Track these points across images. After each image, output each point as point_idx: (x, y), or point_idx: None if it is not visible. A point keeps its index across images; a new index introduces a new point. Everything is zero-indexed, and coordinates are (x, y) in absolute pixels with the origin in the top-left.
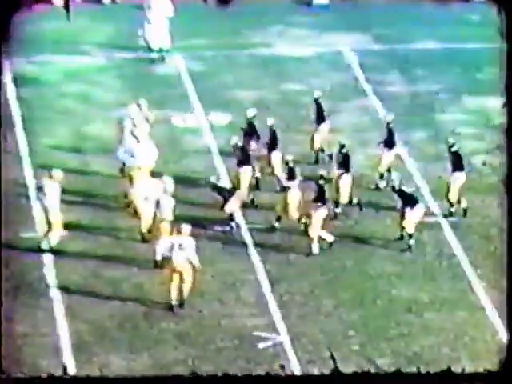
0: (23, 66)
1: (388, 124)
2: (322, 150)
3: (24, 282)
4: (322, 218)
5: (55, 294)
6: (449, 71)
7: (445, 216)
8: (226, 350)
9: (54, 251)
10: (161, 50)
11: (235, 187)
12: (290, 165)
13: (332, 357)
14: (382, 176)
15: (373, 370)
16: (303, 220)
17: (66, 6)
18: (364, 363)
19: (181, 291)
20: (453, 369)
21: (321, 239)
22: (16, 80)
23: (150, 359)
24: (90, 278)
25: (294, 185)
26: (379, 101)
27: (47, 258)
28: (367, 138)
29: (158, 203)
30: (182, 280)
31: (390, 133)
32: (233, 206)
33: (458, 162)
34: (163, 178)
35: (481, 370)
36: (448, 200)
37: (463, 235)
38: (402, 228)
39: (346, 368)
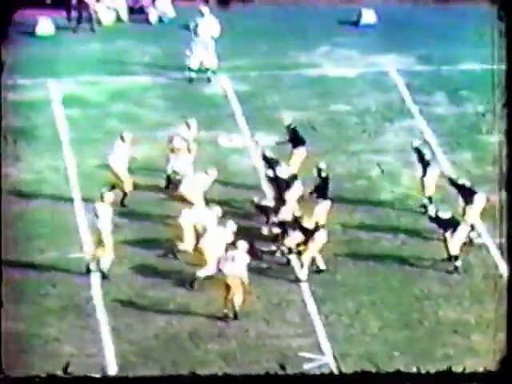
0: (70, 86)
1: None
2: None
3: (71, 303)
4: (322, 242)
5: (101, 314)
6: (494, 92)
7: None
8: (271, 370)
9: (103, 272)
10: (207, 71)
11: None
12: (323, 174)
13: (334, 357)
14: (430, 199)
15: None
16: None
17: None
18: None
19: (232, 304)
20: (453, 369)
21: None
22: (64, 100)
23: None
24: (135, 298)
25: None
26: (425, 121)
27: (94, 279)
28: (412, 160)
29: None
30: (231, 292)
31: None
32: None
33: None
34: (213, 208)
35: (480, 369)
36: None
37: (510, 256)
38: (448, 251)
39: None
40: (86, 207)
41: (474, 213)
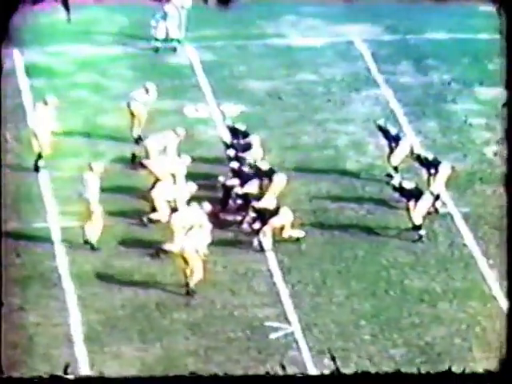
0: (36, 56)
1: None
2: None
3: (36, 272)
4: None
5: (67, 284)
6: (460, 61)
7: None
8: (237, 340)
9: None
10: (172, 40)
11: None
12: None
13: (332, 357)
14: (396, 169)
15: (385, 360)
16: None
17: (66, 5)
18: (376, 353)
19: (188, 280)
20: (453, 369)
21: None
22: (28, 70)
23: (162, 350)
24: (101, 268)
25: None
26: (391, 91)
27: (59, 249)
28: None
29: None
30: (188, 267)
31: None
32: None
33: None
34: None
35: (481, 370)
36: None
37: (475, 225)
38: (411, 221)
39: (357, 358)
40: (51, 176)
41: (439, 182)
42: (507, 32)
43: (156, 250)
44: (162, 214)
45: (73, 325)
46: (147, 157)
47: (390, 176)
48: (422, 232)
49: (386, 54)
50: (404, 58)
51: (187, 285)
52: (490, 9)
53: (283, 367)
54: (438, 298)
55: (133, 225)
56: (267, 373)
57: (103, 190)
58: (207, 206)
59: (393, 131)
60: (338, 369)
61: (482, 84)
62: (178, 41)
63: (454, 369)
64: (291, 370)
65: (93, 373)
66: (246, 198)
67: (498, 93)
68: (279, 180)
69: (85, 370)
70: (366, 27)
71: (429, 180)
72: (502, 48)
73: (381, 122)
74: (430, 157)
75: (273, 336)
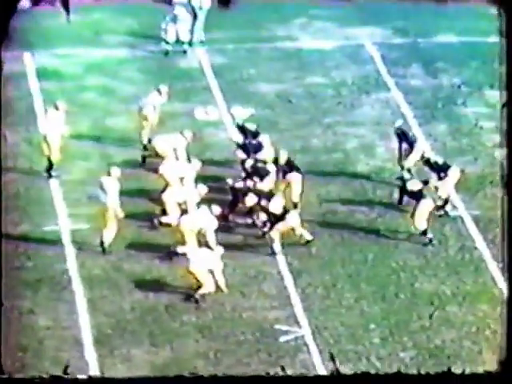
0: (45, 59)
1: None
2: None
3: (46, 275)
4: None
5: (77, 287)
6: (470, 65)
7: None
8: (247, 343)
9: (79, 244)
10: (183, 43)
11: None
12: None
13: (332, 358)
14: (409, 171)
15: (395, 363)
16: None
17: (66, 7)
18: (386, 356)
19: (197, 289)
20: (453, 369)
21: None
22: (38, 73)
23: (172, 352)
24: (111, 271)
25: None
26: (401, 94)
27: (69, 251)
28: (388, 132)
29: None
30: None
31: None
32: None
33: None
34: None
35: (481, 370)
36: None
37: (485, 229)
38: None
39: (367, 361)
40: (61, 179)
41: (448, 186)
42: (507, 33)
43: (168, 253)
44: (172, 217)
45: (82, 328)
46: (156, 157)
47: (402, 179)
48: (430, 235)
49: (396, 56)
50: (414, 60)
51: (195, 291)
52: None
53: (283, 368)
54: (447, 301)
55: (142, 228)
56: (268, 373)
57: None
58: (216, 209)
59: (410, 134)
60: (337, 369)
61: (492, 87)
62: (190, 43)
63: (458, 370)
64: (301, 373)
65: (103, 376)
66: (261, 197)
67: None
68: (295, 179)
69: (94, 372)
70: (376, 30)
71: (437, 185)
72: (501, 48)
73: (398, 124)
74: (440, 161)
75: (283, 339)
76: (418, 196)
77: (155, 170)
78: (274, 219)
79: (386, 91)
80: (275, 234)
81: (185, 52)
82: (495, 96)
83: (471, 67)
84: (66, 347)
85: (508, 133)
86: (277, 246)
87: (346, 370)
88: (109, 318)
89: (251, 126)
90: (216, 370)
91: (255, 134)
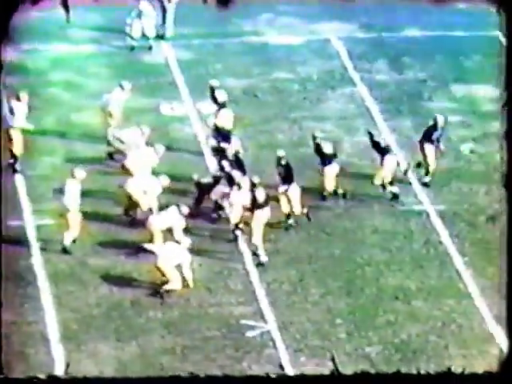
0: (10, 53)
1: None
2: None
3: (11, 271)
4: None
5: (42, 282)
6: (436, 59)
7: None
8: (213, 338)
9: (44, 239)
10: (148, 38)
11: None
12: (283, 162)
13: (332, 358)
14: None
15: (361, 358)
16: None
17: (65, 6)
18: (351, 351)
19: (162, 284)
20: (453, 369)
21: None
22: (2, 68)
23: (138, 348)
24: (76, 266)
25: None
26: (367, 89)
27: (34, 247)
28: (354, 126)
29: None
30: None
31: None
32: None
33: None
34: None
35: (480, 370)
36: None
37: (450, 223)
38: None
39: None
40: (25, 174)
41: (383, 174)
42: (507, 32)
43: (136, 249)
44: (143, 205)
45: (48, 323)
46: (117, 151)
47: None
48: (395, 189)
49: (362, 51)
50: (380, 55)
51: (160, 286)
52: (465, 6)
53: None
54: (413, 295)
55: (109, 224)
56: (267, 374)
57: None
58: (185, 209)
59: (382, 143)
60: (337, 369)
61: (458, 81)
62: (162, 37)
63: (453, 369)
64: (268, 369)
65: (69, 371)
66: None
67: (473, 90)
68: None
69: (61, 368)
70: (342, 25)
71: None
72: (501, 48)
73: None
74: (383, 143)
75: (249, 334)
76: (384, 151)
77: (121, 166)
78: (254, 207)
79: (352, 86)
80: (243, 227)
81: (150, 48)
82: (460, 90)
83: (436, 62)
84: (32, 343)
85: (508, 133)
86: (243, 242)
87: (311, 365)
88: (75, 314)
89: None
90: (182, 366)
91: (227, 137)
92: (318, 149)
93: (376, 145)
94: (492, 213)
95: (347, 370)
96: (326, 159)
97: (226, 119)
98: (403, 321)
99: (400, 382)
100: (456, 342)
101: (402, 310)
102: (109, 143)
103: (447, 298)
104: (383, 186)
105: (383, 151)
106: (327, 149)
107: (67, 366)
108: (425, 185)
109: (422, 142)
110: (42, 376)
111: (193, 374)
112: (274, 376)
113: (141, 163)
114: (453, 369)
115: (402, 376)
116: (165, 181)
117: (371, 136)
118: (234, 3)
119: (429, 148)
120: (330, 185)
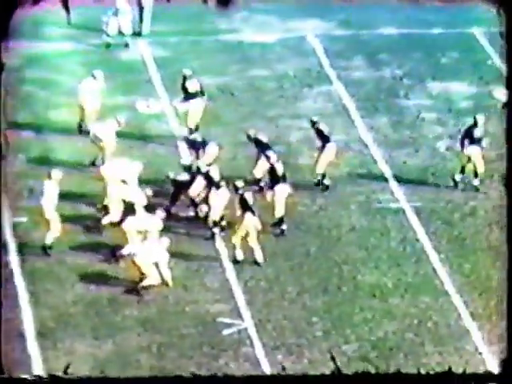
0: None
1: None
2: None
3: None
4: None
5: (19, 280)
6: (412, 56)
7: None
8: (190, 336)
9: (20, 237)
10: (124, 36)
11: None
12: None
13: (332, 358)
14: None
15: (337, 356)
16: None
17: (66, 7)
18: (328, 349)
19: (139, 281)
20: (453, 369)
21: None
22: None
23: (114, 346)
24: (54, 264)
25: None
26: (343, 86)
27: (11, 244)
28: (331, 124)
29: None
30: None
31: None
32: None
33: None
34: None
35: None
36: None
37: (427, 220)
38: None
39: (310, 354)
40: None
41: (323, 160)
42: (507, 32)
43: (112, 254)
44: (114, 215)
45: (25, 321)
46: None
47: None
48: (326, 181)
49: (339, 49)
50: (356, 53)
51: (137, 283)
52: (442, 4)
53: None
54: (389, 293)
55: (86, 224)
56: (266, 374)
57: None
58: (161, 214)
59: (325, 131)
60: (338, 369)
61: (434, 79)
62: (139, 34)
63: (453, 369)
64: (244, 366)
65: (45, 369)
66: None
67: (450, 87)
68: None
69: (37, 365)
70: (318, 23)
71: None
72: (502, 48)
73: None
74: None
75: (226, 332)
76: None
77: (97, 166)
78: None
79: (329, 83)
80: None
81: (127, 45)
82: (437, 88)
83: (413, 59)
84: (8, 340)
85: (508, 133)
86: (221, 241)
87: (289, 363)
88: (51, 311)
89: (198, 137)
90: (159, 364)
91: (204, 144)
92: (318, 132)
93: (319, 132)
94: (468, 210)
95: (325, 368)
96: (326, 139)
97: (195, 110)
98: (380, 318)
99: (400, 382)
100: (432, 340)
101: (379, 308)
102: (80, 131)
103: (424, 295)
104: (323, 176)
105: (325, 139)
106: (325, 129)
107: (67, 366)
108: (476, 189)
109: (462, 144)
110: (43, 376)
111: (193, 374)
112: (275, 375)
113: (118, 173)
114: (453, 369)
115: (402, 376)
116: (149, 192)
117: (313, 123)
118: (234, 3)
119: (474, 149)
120: (323, 164)
